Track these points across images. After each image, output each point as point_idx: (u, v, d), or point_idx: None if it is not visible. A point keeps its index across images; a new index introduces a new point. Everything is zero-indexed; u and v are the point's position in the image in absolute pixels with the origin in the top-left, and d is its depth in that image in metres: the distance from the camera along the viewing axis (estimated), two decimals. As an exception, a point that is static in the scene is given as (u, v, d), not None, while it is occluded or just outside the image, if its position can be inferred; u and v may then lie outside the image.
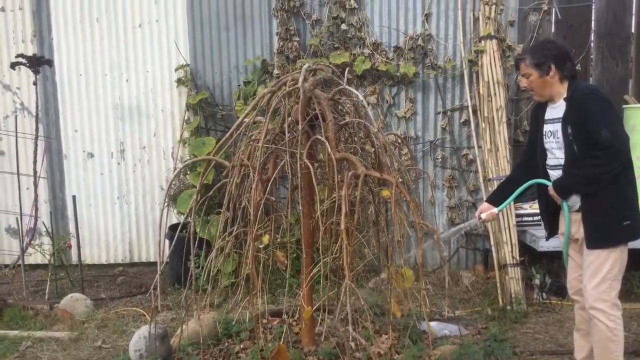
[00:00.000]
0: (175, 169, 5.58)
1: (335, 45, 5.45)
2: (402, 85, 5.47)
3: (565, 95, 3.05)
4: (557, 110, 3.10)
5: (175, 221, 5.50)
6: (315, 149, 3.43)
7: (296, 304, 4.13)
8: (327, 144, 2.92)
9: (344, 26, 5.39)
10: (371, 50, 5.41)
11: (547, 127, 3.18)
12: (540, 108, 3.26)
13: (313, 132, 3.30)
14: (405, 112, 5.48)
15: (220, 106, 5.62)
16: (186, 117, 5.65)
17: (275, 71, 5.39)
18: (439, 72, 5.41)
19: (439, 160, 5.49)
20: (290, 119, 3.19)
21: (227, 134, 3.17)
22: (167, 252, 5.13)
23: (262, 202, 2.98)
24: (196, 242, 3.37)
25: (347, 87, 3.21)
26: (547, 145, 3.19)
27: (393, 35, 5.48)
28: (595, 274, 2.97)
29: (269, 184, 3.14)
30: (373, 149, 3.36)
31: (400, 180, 3.13)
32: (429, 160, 5.54)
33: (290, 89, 3.15)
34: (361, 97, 3.15)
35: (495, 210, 3.26)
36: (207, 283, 3.56)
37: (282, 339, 3.42)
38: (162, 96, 5.75)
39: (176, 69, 5.61)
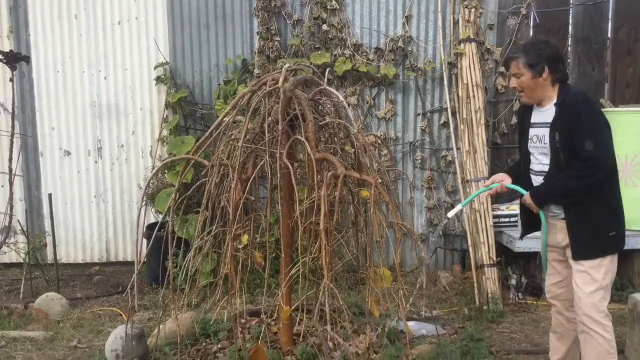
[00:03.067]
0: (153, 167, 5.54)
1: (316, 46, 5.46)
2: (383, 87, 5.50)
3: (555, 100, 2.94)
4: (545, 114, 2.99)
5: (153, 220, 5.46)
6: (295, 149, 3.43)
7: (275, 303, 4.12)
8: (307, 144, 2.93)
9: (325, 27, 5.40)
10: (352, 51, 5.42)
11: (533, 131, 3.08)
12: (526, 110, 3.14)
13: (293, 132, 3.30)
14: (385, 113, 5.51)
15: (199, 105, 5.60)
16: (165, 116, 5.61)
17: (256, 70, 5.38)
18: (418, 74, 5.45)
19: (419, 161, 5.53)
20: (270, 118, 3.19)
21: (207, 133, 3.16)
22: (144, 251, 5.10)
23: (241, 202, 2.97)
24: (174, 242, 3.36)
25: (327, 87, 3.22)
26: (531, 150, 3.10)
27: (374, 37, 5.50)
28: (590, 282, 2.90)
29: (249, 184, 3.14)
30: (353, 150, 3.37)
31: (380, 181, 3.15)
32: (409, 161, 5.58)
33: (271, 88, 3.14)
34: (341, 98, 3.16)
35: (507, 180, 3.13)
36: (185, 283, 3.54)
37: (260, 339, 3.42)
38: (141, 94, 5.70)
39: (155, 67, 5.57)
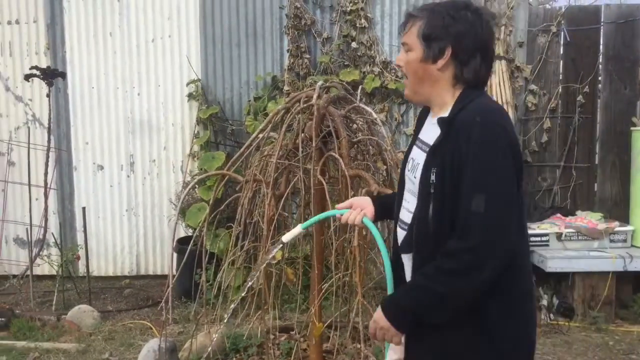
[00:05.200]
0: (184, 182, 5.61)
1: (345, 63, 5.51)
2: (411, 104, 5.51)
3: (450, 110, 1.70)
4: (432, 129, 1.74)
5: (183, 234, 5.52)
6: (327, 166, 3.45)
7: (305, 319, 4.12)
8: (340, 160, 2.95)
9: (354, 44, 5.46)
10: (381, 69, 5.46)
11: (413, 152, 1.84)
12: (424, 115, 1.90)
13: (325, 148, 3.32)
14: (414, 130, 5.50)
15: (230, 121, 5.67)
16: (196, 131, 5.69)
17: (286, 87, 5.45)
18: (448, 92, 5.44)
19: (447, 178, 5.50)
20: (303, 135, 3.22)
21: (242, 149, 3.20)
22: (174, 265, 5.16)
23: (275, 217, 3.00)
24: (207, 256, 3.40)
25: (360, 104, 3.24)
26: (406, 180, 1.85)
27: (403, 54, 5.52)
28: None
29: (282, 200, 3.16)
30: (385, 167, 3.38)
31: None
32: (437, 179, 5.54)
33: (305, 105, 3.18)
34: (375, 115, 3.18)
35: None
36: (215, 298, 3.56)
37: (293, 356, 3.42)
38: (173, 110, 5.80)
39: (187, 84, 5.67)
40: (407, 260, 1.78)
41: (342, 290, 3.31)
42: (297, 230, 2.16)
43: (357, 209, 2.01)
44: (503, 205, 1.56)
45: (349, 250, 3.11)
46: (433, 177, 1.64)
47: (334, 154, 3.05)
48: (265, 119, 5.12)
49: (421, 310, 1.63)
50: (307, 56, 5.51)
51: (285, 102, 3.34)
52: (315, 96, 3.16)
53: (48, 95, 5.17)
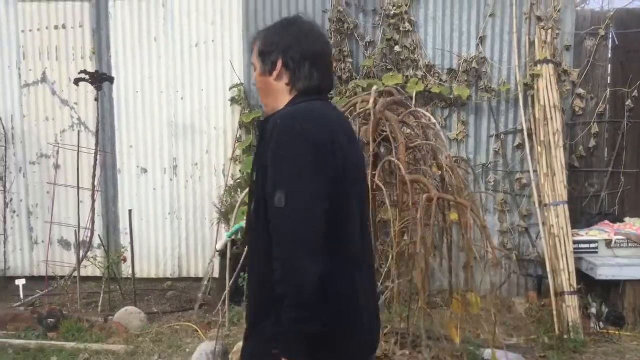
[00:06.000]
0: (226, 186, 5.63)
1: (388, 67, 5.47)
2: (455, 108, 5.45)
3: None
4: None
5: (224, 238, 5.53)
6: (381, 171, 3.43)
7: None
8: (400, 165, 2.92)
9: (397, 48, 5.42)
10: (424, 72, 5.41)
11: None
12: None
13: (380, 153, 3.30)
14: (457, 135, 5.45)
15: (272, 125, 5.66)
16: (238, 135, 5.71)
17: (328, 92, 5.42)
18: (492, 95, 5.38)
19: (491, 183, 5.44)
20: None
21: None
22: (216, 268, 5.20)
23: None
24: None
25: (418, 109, 3.22)
26: None
27: (447, 58, 5.47)
28: None
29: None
30: (440, 172, 3.34)
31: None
32: (481, 184, 5.49)
33: (362, 110, 3.17)
34: (434, 120, 3.15)
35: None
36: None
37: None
38: (216, 114, 5.82)
39: (230, 88, 5.69)
40: None
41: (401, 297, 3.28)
42: (224, 238, 2.22)
43: None
44: (302, 201, 1.57)
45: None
46: (254, 176, 1.74)
47: (392, 159, 3.02)
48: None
49: (293, 326, 1.56)
50: (350, 60, 5.49)
51: (342, 107, 3.33)
52: (371, 101, 3.15)
53: (96, 99, 5.23)
